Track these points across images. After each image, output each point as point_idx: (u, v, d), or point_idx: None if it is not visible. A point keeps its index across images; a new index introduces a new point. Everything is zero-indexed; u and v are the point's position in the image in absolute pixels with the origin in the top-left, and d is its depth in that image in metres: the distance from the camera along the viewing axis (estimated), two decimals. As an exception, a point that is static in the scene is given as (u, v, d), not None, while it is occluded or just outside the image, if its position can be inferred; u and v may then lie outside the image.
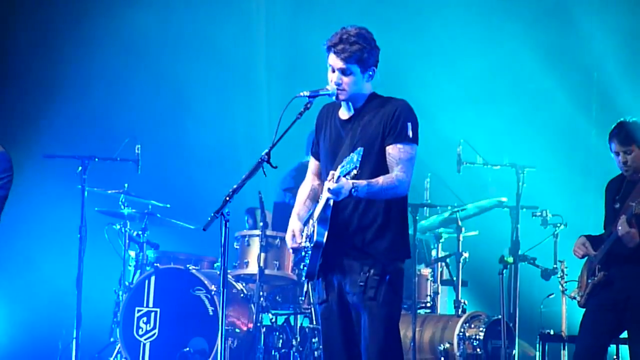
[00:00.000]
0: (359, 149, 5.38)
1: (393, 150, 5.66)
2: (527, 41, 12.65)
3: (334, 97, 5.76)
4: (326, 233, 5.60)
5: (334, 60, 5.72)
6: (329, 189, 5.47)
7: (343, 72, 5.71)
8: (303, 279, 5.79)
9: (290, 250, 5.92)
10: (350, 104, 5.80)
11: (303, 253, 5.74)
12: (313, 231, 5.64)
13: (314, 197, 5.92)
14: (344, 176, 5.42)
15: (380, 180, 5.59)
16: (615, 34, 12.32)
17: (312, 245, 5.62)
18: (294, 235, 5.86)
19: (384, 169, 5.66)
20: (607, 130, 7.39)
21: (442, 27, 12.14)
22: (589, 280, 7.32)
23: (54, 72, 11.45)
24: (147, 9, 11.68)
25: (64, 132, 11.21)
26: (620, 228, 7.06)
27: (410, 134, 5.68)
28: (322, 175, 5.89)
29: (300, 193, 6.05)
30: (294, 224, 5.90)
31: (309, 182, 6.05)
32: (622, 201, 7.23)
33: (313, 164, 6.06)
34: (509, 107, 12.18)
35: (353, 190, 5.49)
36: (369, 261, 5.66)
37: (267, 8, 12.64)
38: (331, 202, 5.57)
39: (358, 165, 5.35)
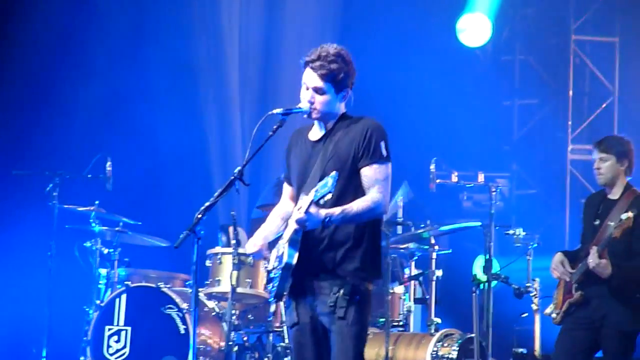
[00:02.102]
0: (333, 173, 5.35)
1: (369, 172, 5.62)
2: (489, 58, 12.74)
3: (306, 115, 5.71)
4: (296, 255, 5.55)
5: (310, 76, 5.66)
6: (295, 219, 5.45)
7: (317, 90, 5.66)
8: (271, 299, 5.76)
9: (251, 258, 5.87)
10: (322, 123, 5.76)
11: (272, 274, 5.70)
12: (283, 252, 5.59)
13: (286, 217, 5.86)
14: (318, 200, 5.38)
15: (355, 205, 5.55)
16: (595, 47, 12.43)
17: (281, 266, 5.57)
18: (255, 243, 5.82)
19: (352, 189, 5.62)
20: (583, 147, 7.44)
21: (410, 42, 12.18)
22: (564, 298, 7.31)
23: (22, 87, 11.35)
24: (117, 25, 11.61)
25: (34, 149, 11.12)
26: (590, 260, 7.07)
27: (384, 152, 5.65)
28: (295, 199, 5.82)
29: (274, 212, 6.01)
30: (259, 232, 5.88)
31: (284, 205, 6.00)
32: (601, 218, 7.25)
33: (287, 188, 6.00)
34: (484, 124, 12.20)
35: (326, 220, 5.47)
36: (338, 282, 5.61)
37: (240, 25, 12.59)
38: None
39: (333, 190, 5.32)
